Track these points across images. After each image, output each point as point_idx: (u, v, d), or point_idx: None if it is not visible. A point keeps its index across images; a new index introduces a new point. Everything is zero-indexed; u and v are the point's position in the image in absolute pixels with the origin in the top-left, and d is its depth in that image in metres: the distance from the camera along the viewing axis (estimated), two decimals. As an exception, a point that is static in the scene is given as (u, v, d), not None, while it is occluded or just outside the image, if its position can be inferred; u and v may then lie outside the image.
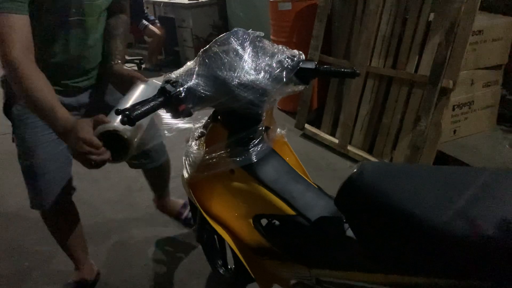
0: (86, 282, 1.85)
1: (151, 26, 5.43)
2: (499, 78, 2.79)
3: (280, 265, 1.31)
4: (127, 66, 6.43)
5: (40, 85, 1.18)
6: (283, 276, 1.35)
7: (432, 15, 2.49)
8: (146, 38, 6.06)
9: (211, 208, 1.36)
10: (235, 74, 1.09)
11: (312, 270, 1.20)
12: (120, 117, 0.96)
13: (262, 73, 1.13)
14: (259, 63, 1.15)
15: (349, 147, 2.93)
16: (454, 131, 2.74)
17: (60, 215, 1.67)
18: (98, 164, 1.07)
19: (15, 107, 1.46)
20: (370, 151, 2.87)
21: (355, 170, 1.02)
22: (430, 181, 0.95)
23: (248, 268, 1.31)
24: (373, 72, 2.79)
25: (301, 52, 1.24)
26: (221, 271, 1.81)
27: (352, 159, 2.89)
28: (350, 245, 1.13)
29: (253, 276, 1.32)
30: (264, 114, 1.23)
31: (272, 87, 1.14)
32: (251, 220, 1.28)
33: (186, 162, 1.31)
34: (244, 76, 1.10)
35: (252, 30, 1.25)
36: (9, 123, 1.49)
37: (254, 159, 1.22)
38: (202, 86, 1.07)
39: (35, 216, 1.74)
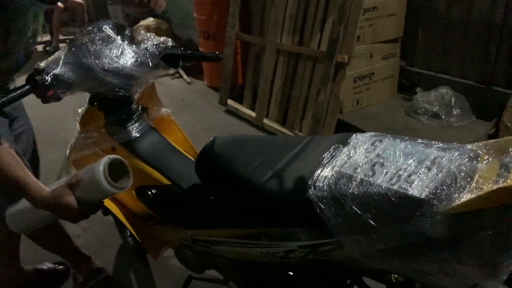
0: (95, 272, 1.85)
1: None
2: (397, 50, 3.04)
3: (163, 230, 1.47)
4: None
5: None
6: (168, 239, 1.52)
7: (330, -6, 2.67)
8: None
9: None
10: (100, 61, 1.22)
11: (187, 231, 1.37)
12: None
13: (128, 60, 1.26)
14: (125, 51, 1.27)
15: (265, 120, 3.12)
16: (357, 102, 2.98)
17: None
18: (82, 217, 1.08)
19: None
20: (284, 123, 3.07)
21: (208, 143, 1.19)
22: (263, 149, 1.14)
23: (134, 234, 1.46)
24: (283, 49, 2.97)
25: (168, 39, 1.37)
26: (129, 240, 1.96)
27: (268, 131, 3.09)
28: (213, 207, 1.31)
29: (139, 241, 1.48)
30: (137, 95, 1.36)
31: (138, 72, 1.27)
32: (134, 192, 1.43)
33: (70, 143, 1.43)
34: (109, 62, 1.23)
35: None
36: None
37: (132, 136, 1.37)
38: (68, 73, 1.18)
39: None
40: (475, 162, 0.83)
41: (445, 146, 0.90)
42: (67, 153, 1.42)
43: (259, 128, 3.15)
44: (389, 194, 0.82)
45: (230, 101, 3.54)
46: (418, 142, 0.93)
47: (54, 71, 1.17)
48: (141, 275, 1.89)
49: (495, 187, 0.72)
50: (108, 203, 1.47)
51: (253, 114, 3.27)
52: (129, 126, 1.37)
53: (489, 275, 0.82)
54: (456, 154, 0.86)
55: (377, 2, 2.73)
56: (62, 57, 1.21)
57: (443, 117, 2.69)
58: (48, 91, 1.17)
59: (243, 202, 1.10)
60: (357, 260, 0.91)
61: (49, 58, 1.23)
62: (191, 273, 1.52)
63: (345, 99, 2.90)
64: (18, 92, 1.11)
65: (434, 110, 2.72)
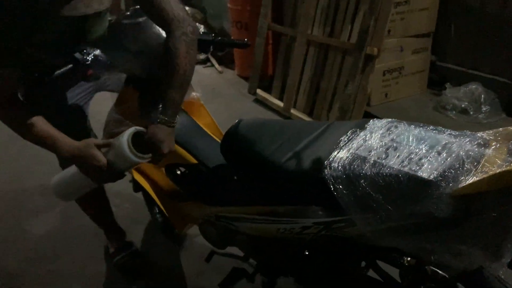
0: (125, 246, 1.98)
1: None
2: (428, 45, 3.02)
3: (189, 206, 1.56)
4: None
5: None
6: (193, 216, 1.61)
7: (363, -13, 2.68)
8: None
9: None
10: (135, 44, 1.31)
11: (211, 208, 1.45)
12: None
13: (161, 43, 1.34)
14: (159, 35, 1.35)
15: (292, 110, 3.17)
16: (386, 95, 2.99)
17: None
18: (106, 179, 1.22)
19: None
20: (311, 114, 3.11)
21: (233, 124, 1.27)
22: (284, 132, 1.21)
23: (163, 209, 1.56)
24: (313, 40, 3.00)
25: (201, 26, 1.45)
26: (157, 217, 2.07)
27: (295, 121, 3.14)
28: (236, 186, 1.39)
29: (168, 216, 1.57)
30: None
31: None
32: (163, 169, 1.53)
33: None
34: (144, 46, 1.32)
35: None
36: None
37: (164, 117, 1.45)
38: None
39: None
40: (483, 148, 0.86)
41: (456, 133, 0.94)
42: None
43: (286, 118, 3.21)
44: (399, 175, 0.87)
45: (259, 91, 3.61)
46: (431, 129, 0.98)
47: (94, 52, 1.27)
48: (167, 250, 2.00)
49: (498, 170, 0.76)
50: (140, 179, 1.58)
51: (281, 104, 3.33)
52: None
53: (493, 257, 0.86)
54: (466, 140, 0.90)
55: (409, -5, 2.74)
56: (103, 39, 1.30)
57: (471, 113, 2.68)
58: (88, 70, 1.27)
59: (264, 181, 1.17)
60: (367, 237, 0.97)
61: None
62: (214, 249, 1.61)
63: (373, 91, 2.92)
64: (61, 70, 1.22)
65: (463, 106, 2.70)
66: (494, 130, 0.91)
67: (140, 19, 1.35)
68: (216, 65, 4.43)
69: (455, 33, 2.97)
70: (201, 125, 1.59)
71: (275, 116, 3.29)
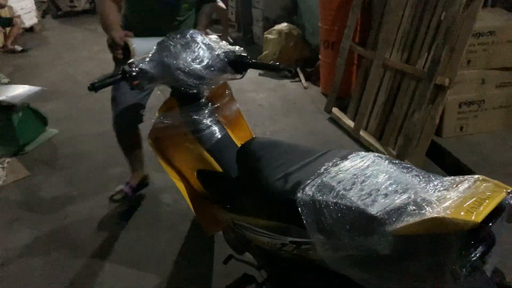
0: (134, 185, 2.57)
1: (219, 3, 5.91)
2: (516, 80, 2.79)
3: (215, 209, 1.70)
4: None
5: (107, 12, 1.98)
6: (218, 218, 1.75)
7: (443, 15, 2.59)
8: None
9: (174, 161, 1.79)
10: (176, 62, 1.49)
11: (230, 214, 1.58)
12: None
13: (199, 63, 1.51)
14: (199, 55, 1.52)
15: (361, 133, 3.15)
16: (461, 128, 2.83)
17: (126, 134, 2.34)
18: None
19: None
20: (380, 138, 3.06)
21: (248, 140, 1.40)
22: (287, 153, 1.30)
23: (192, 208, 1.72)
24: (390, 65, 2.96)
25: (241, 48, 1.59)
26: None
27: (363, 144, 3.11)
28: (243, 196, 1.49)
29: (195, 214, 1.73)
30: (206, 93, 1.61)
31: (205, 74, 1.51)
32: (195, 173, 1.69)
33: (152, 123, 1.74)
34: (183, 64, 1.49)
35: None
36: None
37: (200, 127, 1.62)
38: (151, 68, 1.48)
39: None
40: (437, 193, 0.87)
41: (427, 176, 0.95)
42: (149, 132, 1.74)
43: (354, 140, 3.20)
44: (353, 207, 0.92)
45: (335, 110, 3.63)
46: (406, 168, 1.00)
47: (140, 65, 1.47)
48: (205, 243, 2.19)
49: (427, 216, 0.77)
50: (176, 180, 1.76)
51: (352, 124, 3.33)
52: (199, 118, 1.62)
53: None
54: (428, 184, 0.91)
55: (496, 26, 2.57)
56: (150, 55, 1.51)
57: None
58: (134, 81, 1.48)
59: (260, 196, 1.27)
60: (326, 263, 1.01)
61: (143, 55, 1.54)
62: (233, 253, 1.73)
63: (446, 123, 2.79)
64: (111, 78, 1.45)
65: (546, 149, 2.46)
66: (462, 176, 0.90)
67: (186, 40, 1.53)
68: (303, 81, 4.54)
69: (549, 69, 2.70)
70: (236, 137, 1.72)
71: (343, 137, 3.30)
